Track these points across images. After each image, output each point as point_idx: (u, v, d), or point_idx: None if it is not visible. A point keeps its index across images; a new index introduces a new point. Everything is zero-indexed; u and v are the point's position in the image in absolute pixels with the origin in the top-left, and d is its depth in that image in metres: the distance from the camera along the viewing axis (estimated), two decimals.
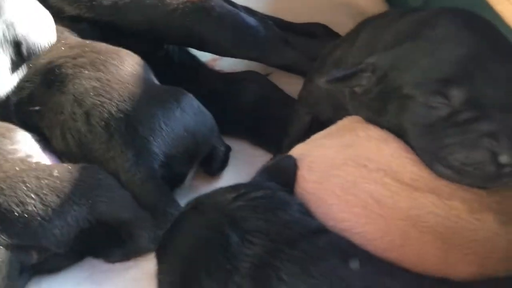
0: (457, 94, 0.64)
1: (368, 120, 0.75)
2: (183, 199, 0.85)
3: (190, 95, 0.95)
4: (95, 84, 0.90)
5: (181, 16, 1.05)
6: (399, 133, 0.71)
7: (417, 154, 0.69)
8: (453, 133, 0.64)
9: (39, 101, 0.92)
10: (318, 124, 0.90)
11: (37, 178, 0.81)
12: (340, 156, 0.69)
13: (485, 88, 0.64)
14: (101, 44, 0.98)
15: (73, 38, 1.02)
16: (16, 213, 0.77)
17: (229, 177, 1.02)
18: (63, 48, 0.97)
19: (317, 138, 0.76)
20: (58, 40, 1.00)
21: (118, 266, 0.86)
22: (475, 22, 0.71)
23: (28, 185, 0.80)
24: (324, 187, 0.67)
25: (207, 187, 0.97)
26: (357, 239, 0.63)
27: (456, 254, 0.62)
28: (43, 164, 0.86)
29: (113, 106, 0.88)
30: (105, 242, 0.86)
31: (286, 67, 1.14)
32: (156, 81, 0.99)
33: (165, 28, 1.05)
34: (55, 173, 0.82)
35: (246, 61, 1.21)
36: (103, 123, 0.87)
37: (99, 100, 0.88)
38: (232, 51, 1.10)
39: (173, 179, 0.93)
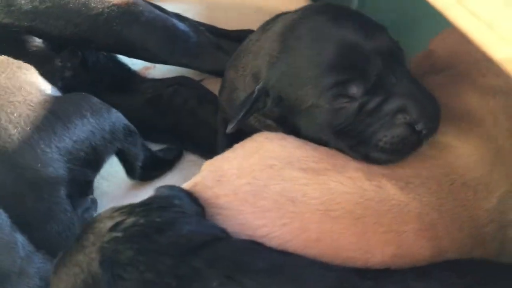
0: (356, 90, 0.66)
1: None
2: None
3: (81, 99, 0.86)
4: None
5: (107, 21, 0.97)
6: (320, 143, 0.71)
7: (350, 154, 0.68)
8: (371, 121, 0.66)
9: None
10: None
11: None
12: (246, 164, 0.66)
13: (376, 72, 0.66)
14: None
15: None
16: None
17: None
18: None
19: (225, 152, 0.72)
20: None
21: None
22: (339, 14, 0.70)
23: None
24: (237, 198, 0.63)
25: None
26: (276, 243, 0.60)
27: (371, 234, 0.60)
28: None
29: None
30: None
31: (219, 72, 1.08)
32: (54, 91, 0.90)
33: (91, 33, 0.98)
34: None
35: (179, 70, 1.15)
36: None
37: None
38: (163, 57, 1.03)
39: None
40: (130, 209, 0.58)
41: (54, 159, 0.77)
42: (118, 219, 0.56)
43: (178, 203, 0.61)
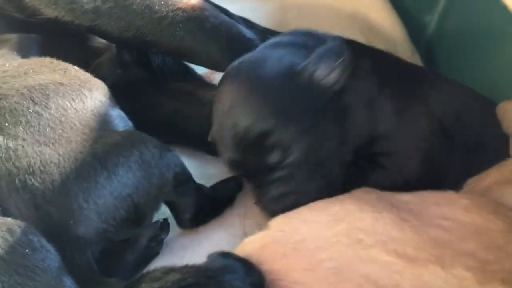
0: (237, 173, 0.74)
1: None
2: None
3: (131, 143, 0.71)
4: (9, 144, 0.66)
5: (171, 26, 0.87)
6: None
7: None
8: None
9: None
10: None
11: None
12: (330, 232, 0.54)
13: (240, 162, 0.69)
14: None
15: None
16: None
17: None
18: None
19: (301, 211, 0.60)
20: None
21: None
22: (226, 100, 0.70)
23: None
24: (316, 275, 0.52)
25: None
26: None
27: None
28: None
29: (18, 181, 0.64)
30: None
31: None
32: (116, 112, 0.80)
33: (152, 37, 0.87)
34: None
35: None
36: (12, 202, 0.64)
37: (11, 167, 0.64)
38: (225, 66, 0.90)
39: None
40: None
41: (89, 218, 0.65)
42: None
43: (230, 280, 0.51)
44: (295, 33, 0.80)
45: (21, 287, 0.54)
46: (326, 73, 0.66)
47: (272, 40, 0.79)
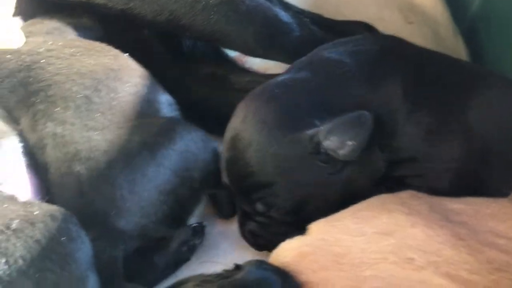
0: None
1: None
2: None
3: (181, 131, 0.69)
4: (57, 129, 0.64)
5: (205, 9, 0.83)
6: None
7: None
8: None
9: None
10: None
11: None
12: (376, 247, 0.49)
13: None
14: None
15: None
16: None
17: None
18: None
19: (344, 217, 0.55)
20: None
21: None
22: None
23: None
24: None
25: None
26: None
27: None
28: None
29: (65, 167, 0.62)
30: None
31: None
32: (165, 98, 0.77)
33: (186, 21, 0.84)
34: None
35: None
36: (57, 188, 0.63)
37: (58, 153, 0.63)
38: (260, 51, 0.88)
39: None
40: None
41: (130, 211, 0.62)
42: None
43: None
44: (322, 68, 0.73)
45: (50, 273, 0.51)
46: (336, 146, 0.60)
47: (293, 73, 0.74)
